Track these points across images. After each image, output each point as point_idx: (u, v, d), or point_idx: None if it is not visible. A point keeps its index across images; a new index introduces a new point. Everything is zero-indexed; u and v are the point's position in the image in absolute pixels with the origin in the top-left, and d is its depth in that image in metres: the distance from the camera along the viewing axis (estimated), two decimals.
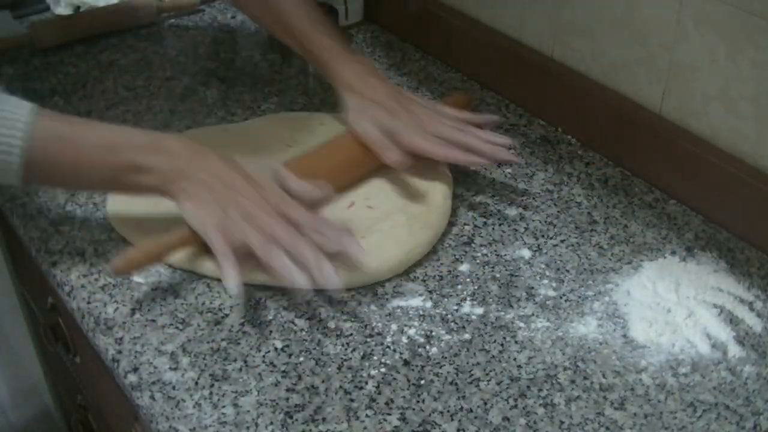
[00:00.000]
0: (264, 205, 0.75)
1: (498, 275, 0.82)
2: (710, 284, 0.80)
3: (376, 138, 0.86)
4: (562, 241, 0.86)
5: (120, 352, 0.74)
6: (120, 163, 0.74)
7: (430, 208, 0.87)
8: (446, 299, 0.79)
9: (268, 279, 0.78)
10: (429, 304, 0.79)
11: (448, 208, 0.89)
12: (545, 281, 0.81)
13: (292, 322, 0.76)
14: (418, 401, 0.70)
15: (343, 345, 0.75)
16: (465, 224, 0.89)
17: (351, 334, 0.76)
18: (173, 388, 0.70)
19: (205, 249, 0.78)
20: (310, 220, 0.75)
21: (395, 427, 0.68)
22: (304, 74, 1.15)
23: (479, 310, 0.78)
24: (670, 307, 0.77)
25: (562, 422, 0.68)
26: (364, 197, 0.89)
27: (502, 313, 0.78)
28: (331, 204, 0.82)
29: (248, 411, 0.68)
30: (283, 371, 0.72)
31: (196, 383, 0.71)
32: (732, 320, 0.77)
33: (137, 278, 0.81)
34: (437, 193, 0.89)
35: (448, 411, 0.69)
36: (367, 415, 0.69)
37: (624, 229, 0.88)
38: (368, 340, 0.75)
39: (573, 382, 0.71)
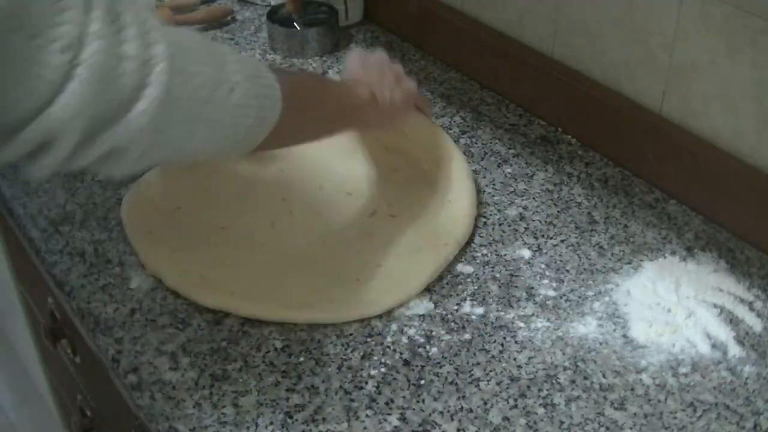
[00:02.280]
0: None
1: (498, 275, 0.82)
2: (710, 284, 0.80)
3: None
4: (562, 241, 0.86)
5: (120, 352, 0.74)
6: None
7: (455, 221, 0.85)
8: (446, 299, 0.79)
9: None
10: (429, 304, 0.79)
11: (474, 217, 0.87)
12: (545, 281, 0.81)
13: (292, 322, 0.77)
14: (418, 401, 0.70)
15: (343, 345, 0.75)
16: None
17: (351, 334, 0.75)
18: (173, 388, 0.70)
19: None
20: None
21: (395, 427, 0.68)
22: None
23: (479, 310, 0.78)
24: (670, 307, 0.77)
25: (562, 422, 0.68)
26: (388, 204, 0.87)
27: (502, 313, 0.78)
28: (352, 210, 0.80)
29: (248, 411, 0.68)
30: (283, 371, 0.72)
31: (196, 383, 0.71)
32: (732, 320, 0.77)
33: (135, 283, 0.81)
34: (463, 199, 0.87)
35: (448, 411, 0.69)
36: (367, 415, 0.68)
37: (624, 229, 0.88)
38: (368, 340, 0.75)
39: (573, 382, 0.71)
